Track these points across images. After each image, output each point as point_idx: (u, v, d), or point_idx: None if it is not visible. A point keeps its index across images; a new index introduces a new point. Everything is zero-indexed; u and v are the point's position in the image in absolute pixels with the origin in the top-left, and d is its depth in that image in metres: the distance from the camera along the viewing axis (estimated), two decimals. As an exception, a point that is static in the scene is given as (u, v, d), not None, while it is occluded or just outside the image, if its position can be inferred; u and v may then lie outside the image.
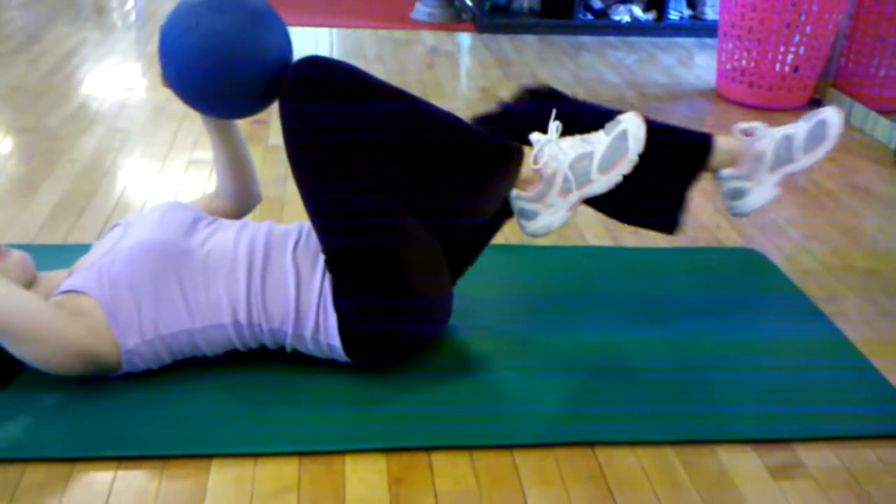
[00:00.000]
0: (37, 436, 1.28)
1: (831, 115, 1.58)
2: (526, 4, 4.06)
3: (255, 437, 1.31)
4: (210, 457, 1.28)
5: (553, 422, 1.37)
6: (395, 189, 1.35)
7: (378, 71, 3.22)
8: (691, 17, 4.13)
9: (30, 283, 1.42)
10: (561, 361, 1.53)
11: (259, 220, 1.52)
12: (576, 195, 1.44)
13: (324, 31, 3.84)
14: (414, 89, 2.84)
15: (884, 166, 2.60)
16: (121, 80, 2.97)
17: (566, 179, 1.42)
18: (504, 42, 3.80)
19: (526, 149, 1.44)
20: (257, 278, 1.39)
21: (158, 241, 1.37)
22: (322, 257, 1.40)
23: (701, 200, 2.26)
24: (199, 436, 1.30)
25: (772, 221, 2.19)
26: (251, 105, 1.37)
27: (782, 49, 2.98)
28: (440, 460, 1.30)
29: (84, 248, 1.80)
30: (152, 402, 1.36)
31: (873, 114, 2.86)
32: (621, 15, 4.01)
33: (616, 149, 1.42)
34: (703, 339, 1.63)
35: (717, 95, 3.21)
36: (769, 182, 1.60)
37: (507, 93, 3.03)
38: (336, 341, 1.39)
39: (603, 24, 3.99)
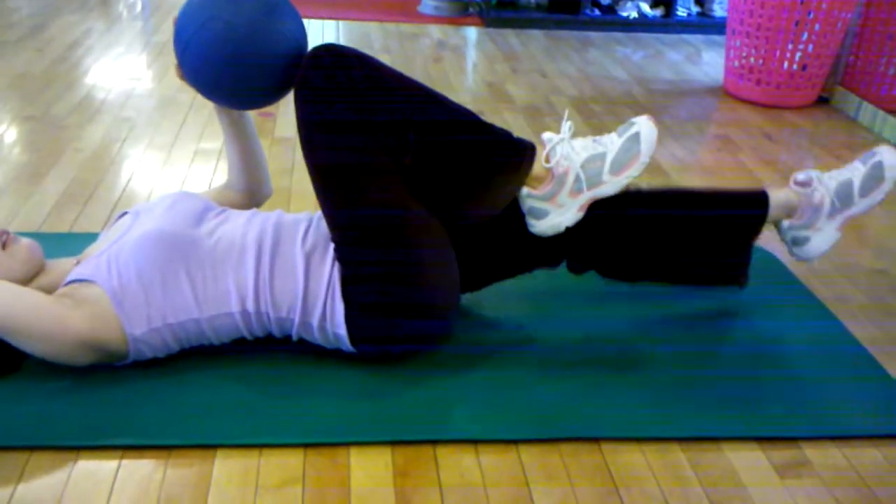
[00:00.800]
0: (42, 423, 1.28)
1: (887, 156, 1.59)
2: (533, -1, 4.05)
3: (260, 427, 1.31)
4: (215, 447, 1.28)
5: (558, 416, 1.37)
6: (406, 179, 1.35)
7: (385, 64, 3.21)
8: (699, 13, 4.12)
9: (38, 271, 1.42)
10: (566, 356, 1.53)
11: (267, 211, 1.52)
12: (586, 195, 1.44)
13: (330, 23, 3.83)
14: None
15: (891, 166, 2.58)
16: (127, 69, 2.97)
17: (577, 179, 1.42)
18: (510, 37, 3.79)
19: (538, 147, 1.43)
20: (266, 267, 1.39)
21: (167, 231, 1.36)
22: (332, 246, 1.40)
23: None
24: (204, 426, 1.30)
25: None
26: (266, 96, 1.37)
27: (790, 47, 2.96)
28: (445, 454, 1.30)
29: (91, 237, 1.79)
30: (158, 391, 1.36)
31: (882, 113, 2.85)
32: (629, 11, 4.00)
33: (628, 150, 1.42)
34: (709, 336, 1.63)
35: (724, 92, 3.20)
36: (830, 227, 1.62)
37: (513, 87, 3.02)
38: (342, 330, 1.39)
39: (610, 20, 3.98)
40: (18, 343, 1.30)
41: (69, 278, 1.35)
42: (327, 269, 1.39)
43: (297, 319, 1.40)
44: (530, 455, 1.30)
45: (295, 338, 1.45)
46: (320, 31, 3.68)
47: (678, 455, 1.33)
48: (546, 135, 1.46)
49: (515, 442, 1.33)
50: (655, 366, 1.52)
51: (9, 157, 2.21)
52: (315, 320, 1.40)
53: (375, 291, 1.36)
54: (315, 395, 1.38)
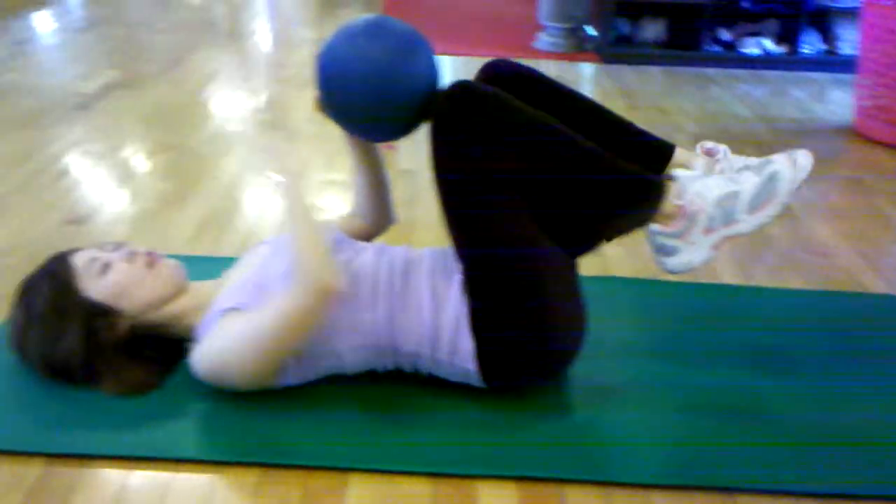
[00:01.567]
0: (186, 439, 1.35)
1: (784, 167, 1.39)
2: (651, 35, 4.02)
3: (391, 455, 1.33)
4: (348, 470, 1.31)
5: (693, 462, 1.34)
6: (536, 215, 1.36)
7: (502, 99, 3.25)
8: (825, 51, 3.99)
9: (181, 291, 1.50)
10: (691, 401, 1.49)
11: (389, 243, 1.56)
12: (720, 234, 1.41)
13: (446, 58, 3.91)
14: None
15: None
16: (256, 102, 3.11)
17: (711, 217, 1.40)
18: (627, 73, 3.77)
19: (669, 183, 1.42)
20: (396, 301, 1.42)
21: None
22: (457, 281, 1.42)
23: (840, 241, 2.17)
24: (338, 451, 1.34)
25: (918, 267, 2.08)
26: (401, 130, 1.42)
27: (928, 86, 2.84)
28: (573, 494, 1.29)
29: (227, 261, 1.88)
30: (292, 415, 1.41)
31: None
32: (751, 48, 3.92)
33: (765, 190, 1.39)
34: (837, 389, 1.55)
35: (854, 133, 3.08)
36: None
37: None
38: (472, 365, 1.40)
39: (731, 57, 3.91)
40: (244, 366, 1.36)
41: (221, 307, 1.40)
42: (454, 304, 1.41)
43: (425, 354, 1.43)
44: (663, 502, 1.28)
45: (424, 372, 1.47)
46: (438, 67, 3.76)
47: (817, 510, 1.27)
48: (678, 171, 1.45)
49: (646, 486, 1.30)
50: (781, 415, 1.46)
51: (153, 183, 2.35)
52: (443, 355, 1.42)
53: (506, 325, 1.37)
54: (442, 426, 1.40)
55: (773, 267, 2.03)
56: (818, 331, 1.74)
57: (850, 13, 3.86)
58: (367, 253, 1.50)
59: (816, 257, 2.09)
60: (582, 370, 1.55)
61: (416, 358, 1.44)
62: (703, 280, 1.94)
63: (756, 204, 1.40)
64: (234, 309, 1.39)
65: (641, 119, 3.08)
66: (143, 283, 1.43)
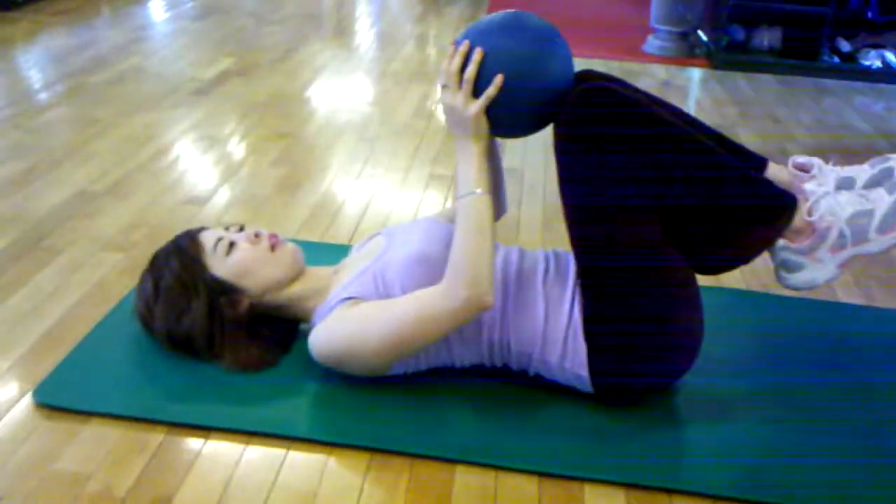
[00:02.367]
0: (298, 417, 1.39)
1: None
2: (766, 42, 3.90)
3: (498, 450, 1.34)
4: (455, 462, 1.32)
5: (805, 483, 1.30)
6: (661, 221, 1.34)
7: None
8: (953, 65, 3.79)
9: (299, 275, 1.53)
10: (803, 418, 1.45)
11: (507, 246, 1.56)
12: (849, 252, 1.36)
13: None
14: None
15: None
16: (365, 95, 3.17)
17: (841, 235, 1.35)
18: (740, 80, 3.67)
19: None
20: (510, 300, 1.42)
21: (428, 254, 1.43)
22: (570, 286, 1.41)
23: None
24: (445, 442, 1.35)
25: None
26: (533, 126, 1.40)
27: None
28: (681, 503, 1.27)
29: (339, 248, 1.92)
30: (401, 403, 1.43)
31: None
32: (872, 60, 3.76)
33: None
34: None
35: (984, 152, 2.92)
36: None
37: (743, 133, 2.92)
38: (583, 370, 1.39)
39: (850, 69, 3.76)
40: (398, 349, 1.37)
41: (340, 296, 1.43)
42: (566, 308, 1.40)
43: (535, 355, 1.43)
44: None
45: (532, 373, 1.47)
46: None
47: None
48: (809, 186, 1.40)
49: (754, 503, 1.27)
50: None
51: (267, 169, 2.42)
52: (554, 358, 1.41)
53: (622, 332, 1.36)
54: (549, 428, 1.40)
55: (892, 285, 1.95)
56: None
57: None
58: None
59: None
60: (693, 381, 1.52)
61: (526, 358, 1.44)
62: (818, 297, 1.88)
63: (890, 224, 1.34)
64: (354, 298, 1.42)
65: (754, 128, 3.00)
66: (266, 264, 1.47)
